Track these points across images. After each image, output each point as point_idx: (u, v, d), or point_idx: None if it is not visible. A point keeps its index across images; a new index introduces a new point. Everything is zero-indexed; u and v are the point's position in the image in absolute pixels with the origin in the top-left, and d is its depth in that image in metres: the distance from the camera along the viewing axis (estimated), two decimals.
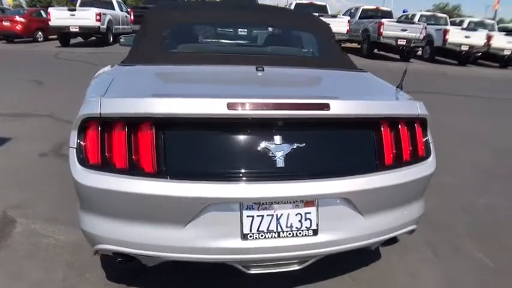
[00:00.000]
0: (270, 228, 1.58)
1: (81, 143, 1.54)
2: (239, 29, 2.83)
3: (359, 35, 14.55)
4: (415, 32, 13.13)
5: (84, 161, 1.54)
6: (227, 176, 1.54)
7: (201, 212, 1.52)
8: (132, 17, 12.58)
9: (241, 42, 2.86)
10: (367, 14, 15.38)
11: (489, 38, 13.42)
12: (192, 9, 2.80)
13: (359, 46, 15.03)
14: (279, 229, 1.59)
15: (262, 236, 1.57)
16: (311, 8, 14.65)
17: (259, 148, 1.56)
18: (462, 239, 2.58)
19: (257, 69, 2.08)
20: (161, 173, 1.51)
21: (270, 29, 2.88)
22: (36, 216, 2.54)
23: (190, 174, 1.52)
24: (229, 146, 1.58)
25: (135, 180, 1.49)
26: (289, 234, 1.59)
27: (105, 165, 1.52)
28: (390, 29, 13.00)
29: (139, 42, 2.33)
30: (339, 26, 13.41)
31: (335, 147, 1.71)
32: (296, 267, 1.75)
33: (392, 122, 1.73)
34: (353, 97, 1.82)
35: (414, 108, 1.78)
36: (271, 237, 1.58)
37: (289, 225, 1.59)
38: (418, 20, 15.06)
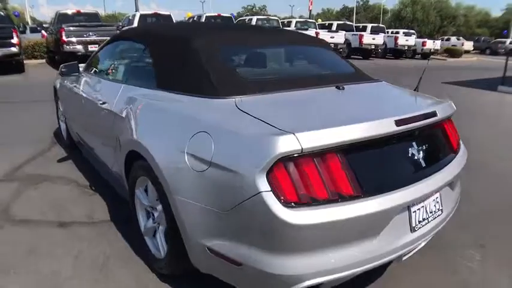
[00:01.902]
0: (423, 217, 1.82)
1: (277, 183, 1.43)
2: (276, 50, 2.71)
3: None
4: None
5: (286, 201, 1.44)
6: (402, 182, 1.69)
7: (391, 219, 1.62)
8: None
9: (289, 63, 2.74)
10: (146, 20, 14.15)
11: (317, 35, 15.93)
12: (231, 32, 2.61)
13: None
14: (427, 216, 1.85)
15: (421, 225, 1.80)
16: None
17: (409, 154, 1.78)
18: None
19: (338, 88, 2.15)
20: (362, 193, 1.54)
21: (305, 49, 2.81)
22: None
23: (381, 188, 1.60)
24: (393, 156, 1.76)
25: (345, 206, 1.49)
26: (432, 218, 1.87)
27: (309, 200, 1.47)
28: None
29: (206, 73, 2.00)
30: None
31: (436, 143, 2.04)
32: (423, 244, 1.98)
33: (448, 118, 2.14)
34: (436, 104, 2.11)
35: (453, 106, 2.23)
36: (425, 224, 1.83)
37: (431, 210, 1.87)
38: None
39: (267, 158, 1.42)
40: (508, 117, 7.10)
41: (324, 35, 16.82)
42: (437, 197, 1.90)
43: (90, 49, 11.23)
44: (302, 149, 1.42)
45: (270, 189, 1.43)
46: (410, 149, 1.79)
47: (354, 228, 1.54)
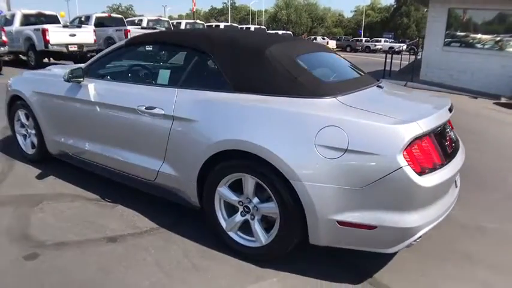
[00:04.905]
0: (456, 180, 2.43)
1: (409, 159, 1.89)
2: (321, 57, 2.90)
3: (21, 45, 12.11)
4: (85, 36, 12.40)
5: (417, 171, 1.91)
6: (452, 154, 2.28)
7: (453, 179, 2.23)
8: None
9: (332, 68, 2.90)
10: (29, 20, 12.67)
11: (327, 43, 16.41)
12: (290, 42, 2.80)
13: (25, 58, 12.51)
14: (456, 185, 2.46)
15: (457, 184, 2.46)
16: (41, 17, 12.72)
17: (447, 137, 2.32)
18: None
19: (380, 87, 2.63)
20: (445, 162, 2.11)
21: (334, 55, 3.11)
22: None
23: (449, 158, 2.20)
24: (442, 138, 2.26)
25: (443, 171, 2.07)
26: (457, 182, 2.50)
27: (426, 169, 1.97)
28: (57, 36, 11.61)
29: (289, 77, 2.28)
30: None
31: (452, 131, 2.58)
32: None
33: None
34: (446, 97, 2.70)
35: None
36: (458, 185, 2.49)
37: (457, 177, 2.48)
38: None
39: (404, 141, 1.88)
40: None
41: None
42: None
43: None
44: (423, 132, 1.93)
45: (407, 164, 1.87)
46: (447, 130, 2.36)
47: (444, 187, 2.10)
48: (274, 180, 2.08)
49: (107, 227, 2.69)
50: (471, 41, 10.88)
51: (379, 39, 39.54)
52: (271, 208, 2.17)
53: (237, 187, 2.31)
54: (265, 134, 2.10)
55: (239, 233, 2.36)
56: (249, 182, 2.21)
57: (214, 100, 2.37)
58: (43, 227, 2.68)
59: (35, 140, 3.67)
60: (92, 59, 3.14)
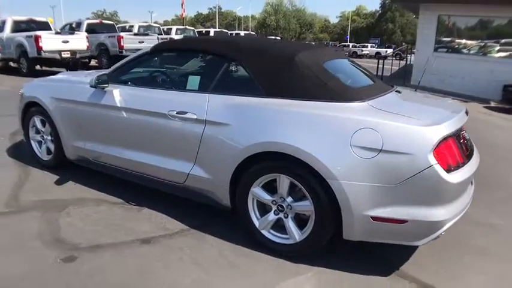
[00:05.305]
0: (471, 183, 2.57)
1: (438, 157, 2.05)
2: (339, 63, 2.98)
3: (13, 52, 11.84)
4: (78, 42, 12.24)
5: (445, 169, 2.07)
6: (469, 156, 2.42)
7: (471, 178, 2.40)
8: None
9: (350, 74, 2.97)
10: (20, 27, 12.36)
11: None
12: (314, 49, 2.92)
13: (15, 65, 12.25)
14: (472, 183, 2.61)
15: (473, 183, 2.60)
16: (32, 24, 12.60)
17: (464, 139, 2.47)
18: None
19: (398, 92, 2.80)
20: (465, 161, 2.28)
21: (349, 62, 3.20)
22: None
23: (468, 158, 2.36)
24: (457, 137, 2.36)
25: (464, 169, 2.23)
26: (471, 185, 2.61)
27: (452, 167, 2.14)
28: (50, 42, 11.42)
29: (319, 83, 2.41)
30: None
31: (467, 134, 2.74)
32: None
33: None
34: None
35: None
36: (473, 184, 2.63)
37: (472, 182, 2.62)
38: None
39: (434, 141, 2.04)
40: None
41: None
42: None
43: None
44: (449, 133, 2.10)
45: (436, 162, 2.02)
46: (463, 133, 2.50)
47: (465, 184, 2.24)
48: (310, 180, 2.19)
49: (138, 230, 2.75)
50: (457, 46, 11.28)
51: (366, 44, 40.33)
52: (306, 206, 2.28)
53: (269, 187, 2.42)
54: (301, 136, 2.21)
55: (271, 231, 2.47)
56: (284, 182, 2.31)
57: (247, 105, 2.47)
58: (74, 231, 2.72)
59: (51, 146, 3.70)
60: (116, 65, 3.21)
